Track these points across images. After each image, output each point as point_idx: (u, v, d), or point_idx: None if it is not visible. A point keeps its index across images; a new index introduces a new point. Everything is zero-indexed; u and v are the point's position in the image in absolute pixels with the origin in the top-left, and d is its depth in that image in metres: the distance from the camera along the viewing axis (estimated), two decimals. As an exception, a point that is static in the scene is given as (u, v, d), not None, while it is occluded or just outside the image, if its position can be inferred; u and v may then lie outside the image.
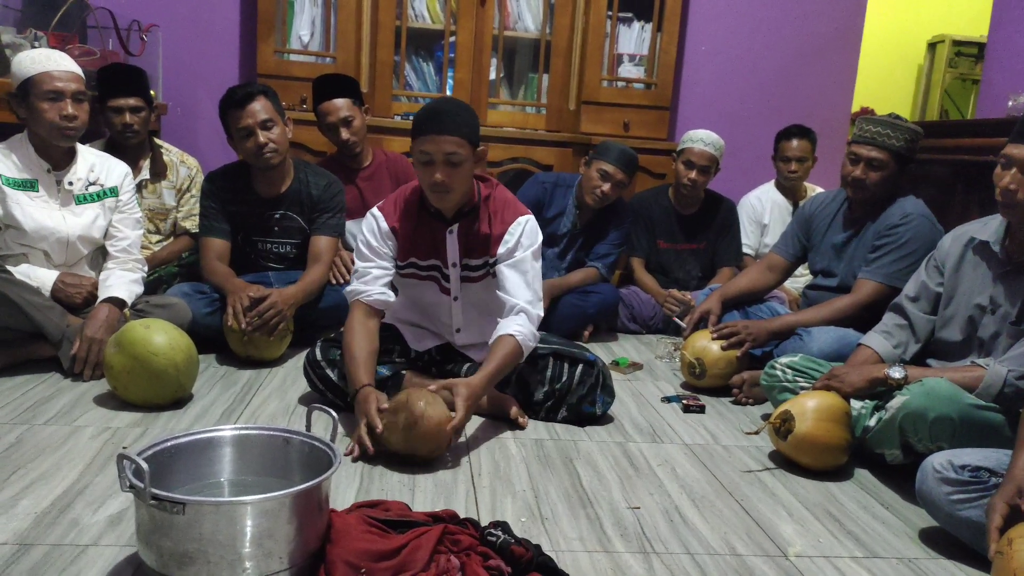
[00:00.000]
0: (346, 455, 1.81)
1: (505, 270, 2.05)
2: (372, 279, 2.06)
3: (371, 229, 2.09)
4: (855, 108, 4.55)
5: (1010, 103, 2.99)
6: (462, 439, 1.98)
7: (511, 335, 1.96)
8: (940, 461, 1.60)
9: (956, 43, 5.80)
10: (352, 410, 1.96)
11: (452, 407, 1.84)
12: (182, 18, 3.73)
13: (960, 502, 1.55)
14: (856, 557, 1.56)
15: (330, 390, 2.12)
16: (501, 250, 2.07)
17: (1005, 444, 1.67)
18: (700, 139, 3.25)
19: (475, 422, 2.09)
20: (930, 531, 1.68)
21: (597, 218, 3.15)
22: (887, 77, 5.93)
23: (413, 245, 2.11)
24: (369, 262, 2.08)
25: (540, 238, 2.12)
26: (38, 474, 1.67)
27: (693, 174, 3.25)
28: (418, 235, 2.10)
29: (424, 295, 2.18)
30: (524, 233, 2.07)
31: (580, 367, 2.16)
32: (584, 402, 2.16)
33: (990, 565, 1.37)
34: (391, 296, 2.08)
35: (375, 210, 2.11)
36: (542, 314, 2.07)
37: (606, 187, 3.02)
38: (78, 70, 2.35)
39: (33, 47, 2.73)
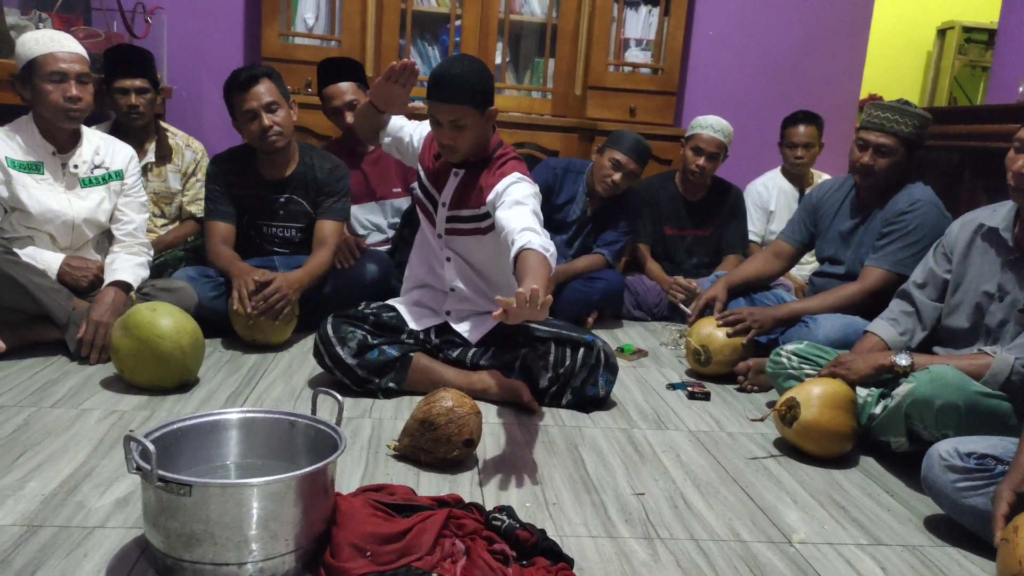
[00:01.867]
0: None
1: (502, 211, 1.94)
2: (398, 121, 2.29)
3: (419, 127, 2.28)
4: (863, 95, 4.52)
5: (1021, 88, 2.96)
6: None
7: (524, 247, 1.75)
8: (946, 448, 1.60)
9: (966, 29, 5.75)
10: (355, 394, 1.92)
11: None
12: (187, 0, 3.71)
13: (966, 490, 1.54)
14: (861, 544, 1.56)
15: (340, 369, 2.12)
16: (490, 196, 2.02)
17: (1011, 432, 1.67)
18: (709, 125, 3.23)
19: (483, 407, 2.08)
20: (935, 519, 1.68)
21: (607, 206, 3.14)
22: (896, 64, 5.89)
23: (427, 164, 2.22)
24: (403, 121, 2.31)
25: (536, 186, 2.03)
26: (45, 456, 1.67)
27: (701, 160, 3.24)
28: (437, 164, 2.20)
29: (424, 231, 2.28)
30: (515, 181, 2.00)
31: (581, 350, 2.16)
32: (587, 383, 2.16)
33: (995, 553, 1.37)
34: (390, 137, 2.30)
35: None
36: (548, 234, 1.87)
37: (617, 176, 3.00)
38: (82, 51, 2.34)
39: (37, 29, 2.72)
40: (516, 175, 2.05)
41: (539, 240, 1.78)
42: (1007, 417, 1.75)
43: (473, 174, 2.13)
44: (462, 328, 2.24)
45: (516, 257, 1.77)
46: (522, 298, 1.48)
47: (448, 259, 2.23)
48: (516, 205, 1.94)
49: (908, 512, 1.72)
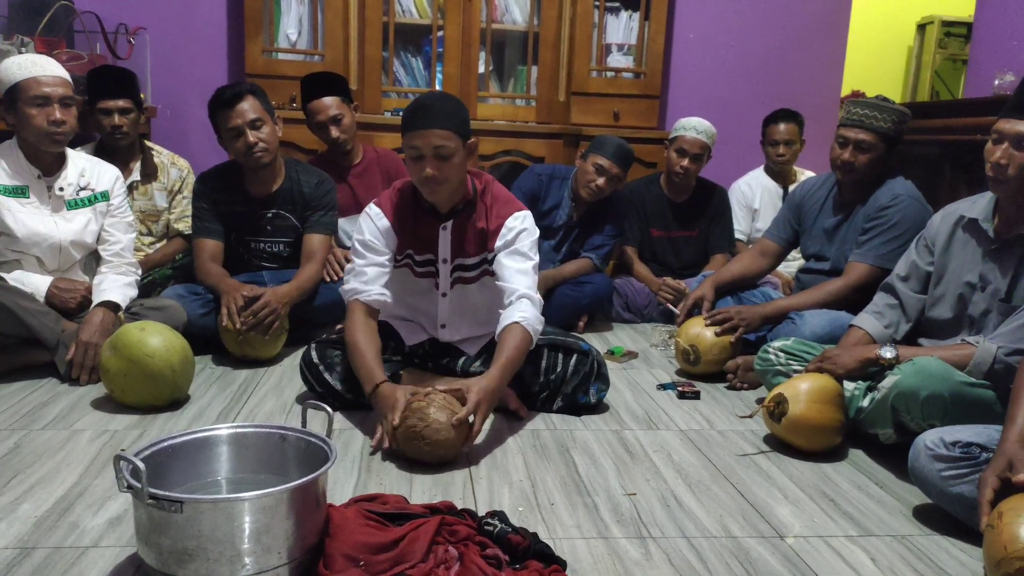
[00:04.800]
0: (373, 447, 1.83)
1: (504, 259, 2.05)
2: (370, 279, 2.03)
3: (369, 227, 2.06)
4: (845, 92, 4.56)
5: (996, 82, 3.00)
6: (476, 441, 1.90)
7: (516, 322, 1.94)
8: (932, 438, 1.61)
9: (945, 24, 5.80)
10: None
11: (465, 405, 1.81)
12: (169, 20, 3.73)
13: (952, 478, 1.56)
14: (851, 536, 1.57)
15: (329, 394, 2.12)
16: (499, 243, 2.06)
17: (996, 420, 1.69)
18: (692, 127, 3.25)
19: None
20: (923, 508, 1.70)
21: (593, 210, 3.16)
22: (877, 60, 5.93)
23: (409, 240, 2.10)
24: (366, 260, 2.05)
25: (537, 232, 2.12)
26: (37, 478, 1.68)
27: (685, 162, 3.26)
28: (414, 230, 2.10)
29: (414, 288, 2.18)
30: (522, 227, 2.07)
31: (575, 357, 2.17)
32: (579, 391, 2.17)
33: (982, 539, 1.38)
34: (388, 296, 2.05)
35: (372, 208, 2.09)
36: (542, 302, 2.06)
37: (601, 181, 3.02)
38: (65, 75, 2.34)
39: (20, 53, 2.73)
40: (522, 217, 2.08)
41: (532, 313, 1.96)
42: (992, 406, 1.77)
43: (464, 219, 2.08)
44: (459, 343, 2.25)
45: (500, 332, 1.95)
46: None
47: (443, 326, 2.21)
48: (521, 258, 2.04)
49: (897, 503, 1.74)
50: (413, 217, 2.09)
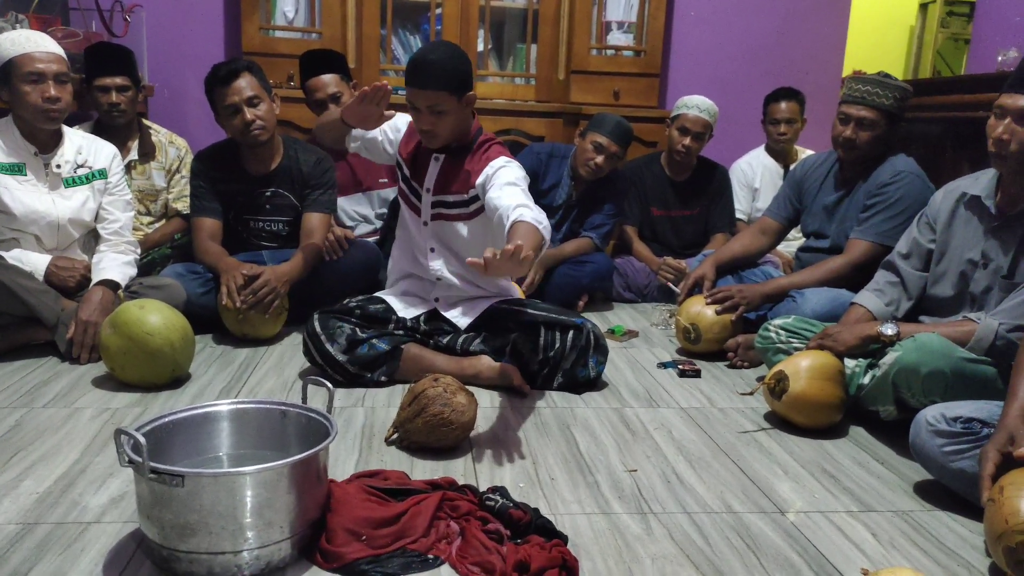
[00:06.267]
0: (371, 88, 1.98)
1: (492, 192, 1.97)
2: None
3: (392, 123, 2.22)
4: (847, 71, 4.52)
5: (999, 58, 2.98)
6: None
7: (519, 219, 1.78)
8: (933, 414, 1.61)
9: (948, 3, 5.74)
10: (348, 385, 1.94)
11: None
12: (165, -3, 3.69)
13: (953, 453, 1.56)
14: (851, 511, 1.58)
15: (330, 366, 2.12)
16: (479, 180, 2.06)
17: (997, 397, 1.68)
18: (695, 105, 3.23)
19: (475, 392, 2.08)
20: (924, 484, 1.70)
21: (593, 189, 3.14)
22: (878, 39, 5.87)
23: (410, 159, 2.21)
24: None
25: (524, 171, 2.05)
26: (39, 455, 1.68)
27: (687, 140, 3.24)
28: (415, 154, 2.20)
29: (408, 223, 2.26)
30: (503, 164, 2.03)
31: (571, 332, 2.17)
32: (578, 365, 2.17)
33: (983, 514, 1.39)
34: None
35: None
36: (544, 213, 1.88)
37: (599, 159, 3.01)
38: (60, 51, 2.32)
39: (14, 29, 2.69)
40: (503, 159, 2.08)
41: (532, 214, 1.82)
42: (992, 382, 1.77)
43: (455, 159, 2.14)
44: (452, 314, 2.25)
45: (509, 229, 1.80)
46: (506, 253, 1.48)
47: (432, 249, 2.23)
48: (507, 186, 1.97)
49: (898, 479, 1.74)
50: (419, 143, 2.18)
